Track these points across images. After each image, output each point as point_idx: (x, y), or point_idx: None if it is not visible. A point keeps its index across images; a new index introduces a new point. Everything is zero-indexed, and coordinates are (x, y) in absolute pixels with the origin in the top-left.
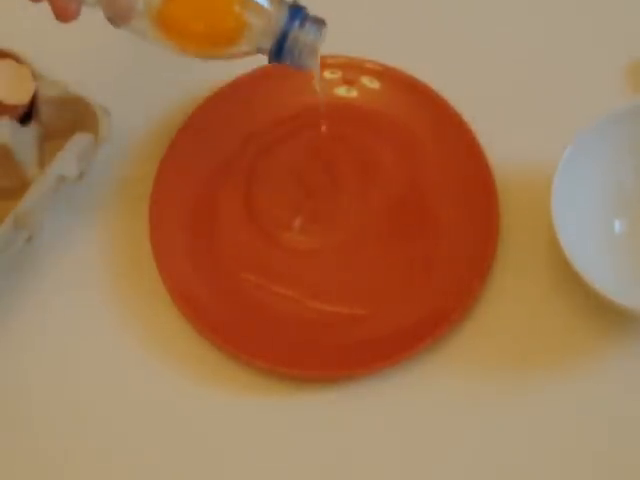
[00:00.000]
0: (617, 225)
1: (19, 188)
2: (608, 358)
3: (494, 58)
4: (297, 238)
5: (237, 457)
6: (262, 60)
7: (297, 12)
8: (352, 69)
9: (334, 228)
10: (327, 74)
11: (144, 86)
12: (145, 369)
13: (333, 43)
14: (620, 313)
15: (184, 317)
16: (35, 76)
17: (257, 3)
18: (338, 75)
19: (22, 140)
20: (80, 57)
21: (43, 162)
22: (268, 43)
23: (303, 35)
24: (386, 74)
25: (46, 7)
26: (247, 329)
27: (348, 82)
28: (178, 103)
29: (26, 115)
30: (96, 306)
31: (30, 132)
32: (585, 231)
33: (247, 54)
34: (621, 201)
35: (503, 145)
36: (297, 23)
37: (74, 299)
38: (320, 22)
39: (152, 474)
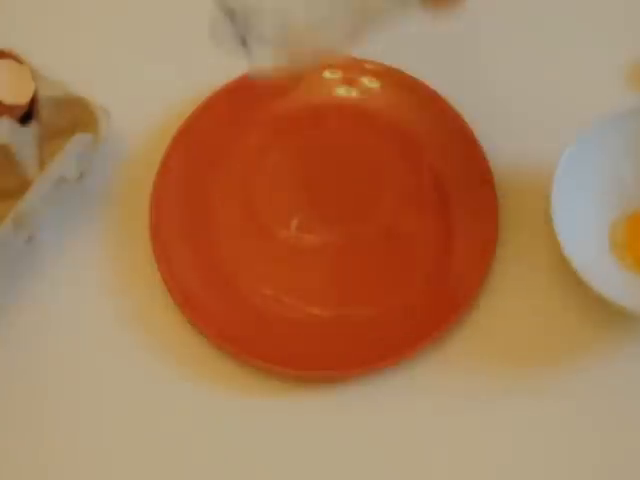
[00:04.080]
0: None
1: (19, 188)
2: (608, 358)
3: (494, 58)
4: (296, 237)
5: (236, 457)
6: None
7: None
8: (352, 69)
9: (333, 228)
10: (327, 74)
11: (144, 86)
12: (145, 369)
13: None
14: (620, 313)
15: (184, 317)
16: (35, 76)
17: None
18: (338, 75)
19: (22, 140)
20: (80, 57)
21: (43, 162)
22: None
23: None
24: (386, 74)
25: (46, 7)
26: (247, 329)
27: (348, 82)
28: (178, 103)
29: (26, 115)
30: (96, 306)
31: (30, 132)
32: (585, 231)
33: None
34: (621, 201)
35: (503, 145)
36: None
37: (74, 299)
38: None
39: (151, 474)
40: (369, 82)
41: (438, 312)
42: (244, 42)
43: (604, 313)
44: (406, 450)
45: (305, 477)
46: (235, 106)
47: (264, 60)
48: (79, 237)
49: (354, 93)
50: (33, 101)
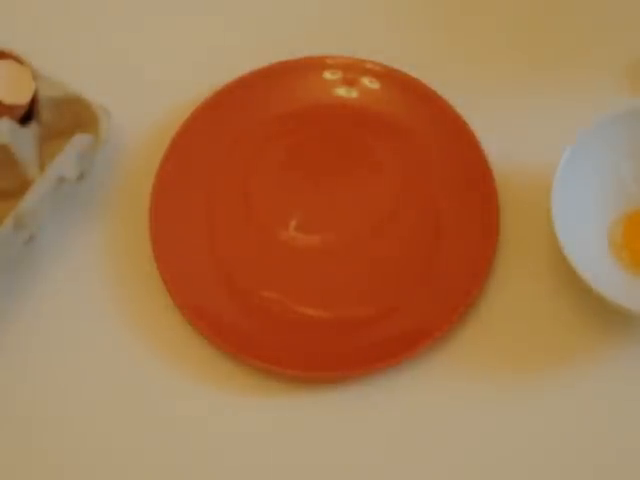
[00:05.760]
0: None
1: (19, 188)
2: (608, 358)
3: (494, 58)
4: (295, 238)
5: (237, 457)
6: (261, 60)
7: None
8: (352, 69)
9: (333, 228)
10: (327, 74)
11: (144, 86)
12: (145, 369)
13: (333, 43)
14: (620, 313)
15: (183, 317)
16: (35, 76)
17: None
18: (338, 75)
19: (22, 140)
20: (80, 57)
21: (43, 162)
22: None
23: None
24: (386, 74)
25: (46, 7)
26: (247, 329)
27: (348, 82)
28: (178, 103)
29: (26, 115)
30: (96, 306)
31: (30, 132)
32: (585, 231)
33: None
34: (621, 201)
35: (503, 145)
36: None
37: (74, 299)
38: None
39: (152, 474)
40: (369, 82)
41: (438, 312)
42: None
43: (604, 313)
44: (407, 450)
45: (305, 477)
46: (235, 106)
47: None
48: (79, 237)
49: (354, 93)
50: (33, 101)
